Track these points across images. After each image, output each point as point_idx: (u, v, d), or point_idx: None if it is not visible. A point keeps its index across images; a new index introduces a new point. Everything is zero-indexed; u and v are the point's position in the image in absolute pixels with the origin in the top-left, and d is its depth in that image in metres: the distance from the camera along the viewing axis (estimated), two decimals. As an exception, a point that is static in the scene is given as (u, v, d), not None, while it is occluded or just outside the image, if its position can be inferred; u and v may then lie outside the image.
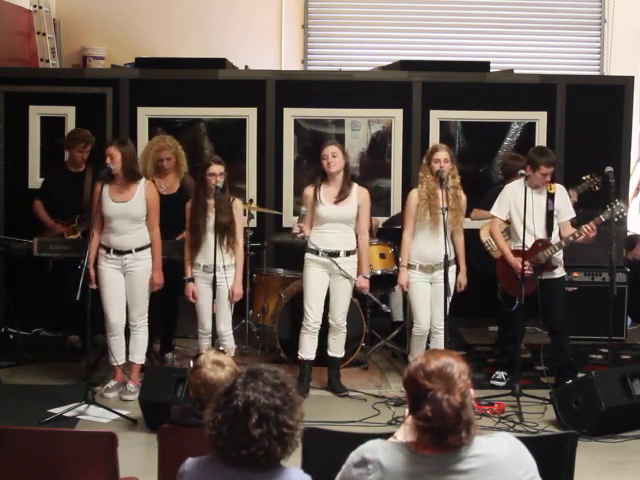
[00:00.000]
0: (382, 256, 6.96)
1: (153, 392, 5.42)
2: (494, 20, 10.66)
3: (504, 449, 2.56)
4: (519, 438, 2.63)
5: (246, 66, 8.97)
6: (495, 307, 6.66)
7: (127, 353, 6.21)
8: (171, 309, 6.96)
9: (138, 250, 6.08)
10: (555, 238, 6.24)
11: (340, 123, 8.39)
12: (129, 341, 6.20)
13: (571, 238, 6.13)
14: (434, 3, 10.67)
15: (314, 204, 6.16)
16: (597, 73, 10.60)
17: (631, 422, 5.50)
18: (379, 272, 6.90)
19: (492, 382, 6.47)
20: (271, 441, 2.49)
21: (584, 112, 8.04)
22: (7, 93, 7.94)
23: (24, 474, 3.38)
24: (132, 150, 6.17)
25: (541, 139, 7.99)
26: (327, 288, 6.23)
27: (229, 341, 6.17)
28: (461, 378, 2.50)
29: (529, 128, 8.18)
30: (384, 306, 6.52)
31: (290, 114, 8.02)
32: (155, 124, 7.92)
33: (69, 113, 7.90)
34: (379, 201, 7.86)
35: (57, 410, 5.65)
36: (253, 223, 7.48)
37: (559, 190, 6.31)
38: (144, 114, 7.94)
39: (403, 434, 2.70)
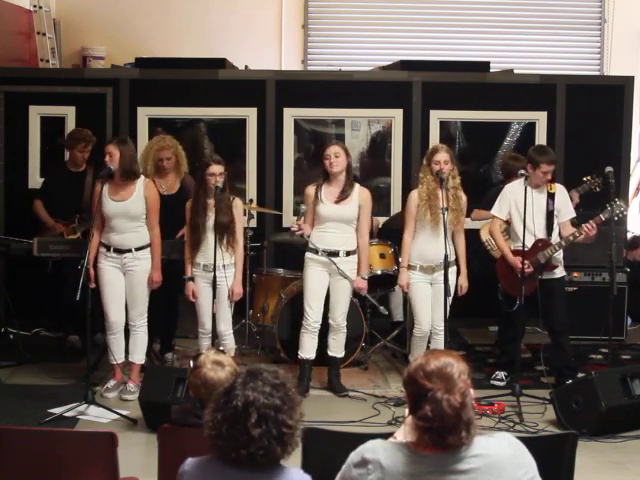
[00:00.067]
0: (382, 256, 6.95)
1: (153, 392, 5.42)
2: (494, 20, 10.66)
3: (504, 449, 2.56)
4: (519, 438, 2.63)
5: (246, 66, 8.96)
6: (495, 307, 6.66)
7: (127, 353, 6.21)
8: (171, 309, 6.96)
9: (138, 249, 6.09)
10: (555, 238, 6.24)
11: (340, 123, 8.39)
12: (129, 341, 6.20)
13: (571, 238, 6.13)
14: (434, 3, 10.66)
15: (315, 203, 6.17)
16: (597, 73, 10.60)
17: (631, 422, 5.50)
18: (379, 272, 6.89)
19: (492, 382, 6.47)
20: (270, 441, 2.49)
21: (584, 112, 8.04)
22: (7, 93, 7.94)
23: (24, 474, 3.38)
24: (132, 149, 6.16)
25: (541, 139, 7.99)
26: (327, 288, 6.23)
27: (229, 341, 6.17)
28: (461, 378, 2.50)
29: (529, 128, 8.18)
30: (382, 308, 6.49)
31: (290, 114, 8.02)
32: (155, 124, 7.92)
33: (69, 113, 7.90)
34: (379, 201, 7.86)
35: (57, 410, 5.65)
36: (253, 223, 7.48)
37: (559, 190, 6.31)
38: (144, 114, 7.94)
39: (403, 434, 2.70)
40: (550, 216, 6.24)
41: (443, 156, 6.04)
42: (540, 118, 8.06)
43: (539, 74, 8.51)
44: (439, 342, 6.07)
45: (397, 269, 6.70)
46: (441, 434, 2.47)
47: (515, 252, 6.21)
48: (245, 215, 7.02)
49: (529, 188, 5.99)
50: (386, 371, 6.88)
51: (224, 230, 5.99)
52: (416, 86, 8.01)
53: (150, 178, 6.53)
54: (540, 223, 6.20)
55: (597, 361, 7.14)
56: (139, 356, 6.22)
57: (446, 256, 5.83)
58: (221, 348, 5.29)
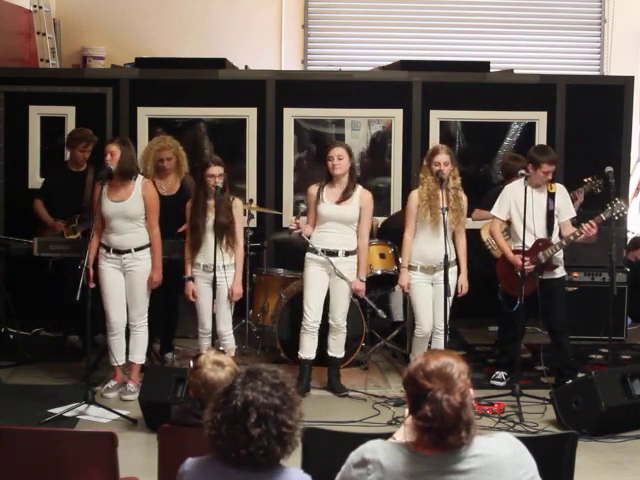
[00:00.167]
0: (382, 256, 6.95)
1: (153, 392, 5.42)
2: (494, 20, 10.67)
3: (504, 449, 2.56)
4: (519, 438, 2.63)
5: (246, 66, 8.96)
6: (495, 307, 6.66)
7: (127, 353, 6.21)
8: (171, 309, 6.96)
9: (137, 250, 6.08)
10: (556, 238, 6.24)
11: (340, 123, 8.39)
12: (129, 341, 6.20)
13: (572, 237, 6.13)
14: (434, 3, 10.67)
15: (317, 203, 6.17)
16: (597, 73, 10.61)
17: (631, 422, 5.50)
18: (379, 272, 6.89)
19: (492, 382, 6.47)
20: (270, 441, 2.49)
21: (584, 112, 8.04)
22: (7, 93, 7.94)
23: (24, 474, 3.38)
24: (132, 150, 6.17)
25: (541, 139, 7.98)
26: (327, 288, 6.23)
27: (229, 341, 6.17)
28: (461, 378, 2.50)
29: (529, 128, 8.18)
30: (380, 311, 6.46)
31: (290, 114, 8.02)
32: (155, 124, 7.92)
33: (69, 113, 7.90)
34: (379, 201, 7.85)
35: (57, 410, 5.65)
36: (253, 223, 7.48)
37: (559, 190, 6.31)
38: (144, 114, 7.94)
39: (402, 435, 2.70)
40: (550, 216, 6.24)
41: (443, 157, 6.03)
42: (540, 118, 8.06)
43: (539, 74, 8.51)
44: (439, 342, 6.06)
45: (397, 269, 6.70)
46: (441, 434, 2.47)
47: (515, 252, 6.21)
48: (245, 215, 7.02)
49: (529, 188, 5.99)
50: (386, 371, 6.88)
51: (224, 231, 5.99)
52: (416, 86, 8.01)
53: (150, 179, 6.53)
54: (540, 223, 6.20)
55: (597, 361, 7.14)
56: (139, 356, 6.22)
57: (446, 256, 5.83)
58: (221, 348, 5.29)
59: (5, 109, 7.94)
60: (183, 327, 7.27)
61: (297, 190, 8.01)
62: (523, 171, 6.05)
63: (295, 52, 10.64)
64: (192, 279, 6.12)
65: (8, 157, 7.97)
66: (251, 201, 7.56)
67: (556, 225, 6.27)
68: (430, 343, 6.21)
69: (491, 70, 8.36)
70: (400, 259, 6.44)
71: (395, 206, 7.96)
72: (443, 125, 8.12)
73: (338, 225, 6.16)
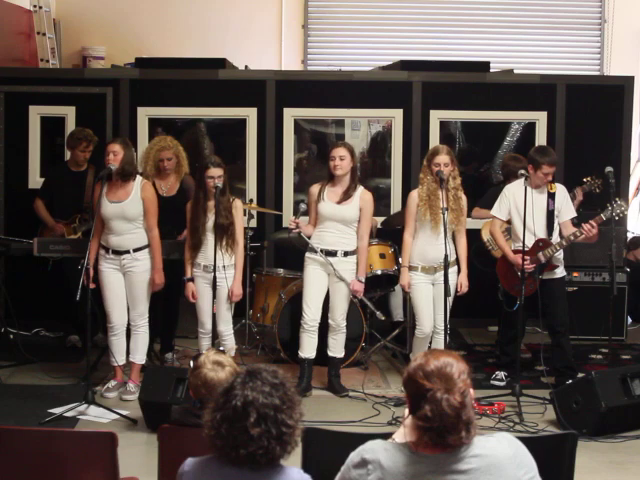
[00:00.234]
0: (382, 256, 6.95)
1: (153, 392, 5.41)
2: (494, 20, 10.66)
3: (504, 449, 2.56)
4: (519, 438, 2.63)
5: (246, 66, 8.96)
6: (495, 307, 6.66)
7: (127, 353, 6.21)
8: (171, 309, 6.96)
9: (136, 250, 6.08)
10: (556, 238, 6.24)
11: (340, 123, 8.39)
12: (129, 341, 6.20)
13: (572, 237, 6.13)
14: (434, 3, 10.67)
15: (317, 202, 6.18)
16: (597, 73, 10.60)
17: (631, 422, 5.50)
18: (379, 272, 6.89)
19: (492, 382, 6.47)
20: (270, 440, 2.49)
21: (584, 112, 8.04)
22: (7, 93, 7.93)
23: (24, 474, 3.38)
24: (132, 151, 6.19)
25: (541, 139, 7.99)
26: (327, 287, 6.23)
27: (230, 341, 6.17)
28: (461, 378, 2.50)
29: (529, 128, 8.18)
30: (378, 313, 6.46)
31: (290, 114, 8.02)
32: (155, 124, 7.93)
33: (69, 113, 7.90)
34: (379, 201, 7.86)
35: (57, 410, 5.65)
36: (253, 223, 7.48)
37: (560, 190, 6.31)
38: (144, 114, 7.94)
39: (401, 436, 2.70)
40: (550, 216, 6.24)
41: (443, 159, 6.03)
42: (540, 118, 8.06)
43: (539, 74, 8.50)
44: (440, 341, 6.06)
45: (397, 269, 6.70)
46: (441, 434, 2.47)
47: (516, 252, 6.21)
48: (245, 215, 7.02)
49: (529, 188, 5.99)
50: (386, 371, 6.88)
51: (224, 231, 5.99)
52: (416, 86, 8.01)
53: (150, 179, 6.53)
54: (541, 223, 6.20)
55: (597, 361, 7.14)
56: (140, 356, 6.22)
57: (446, 256, 5.83)
58: (221, 348, 5.28)
59: (5, 109, 7.95)
60: (183, 327, 7.27)
61: (297, 190, 8.01)
62: (523, 171, 6.05)
63: (295, 52, 10.64)
64: (192, 280, 6.12)
65: (8, 157, 7.97)
66: (251, 201, 7.56)
67: (556, 225, 6.27)
68: (430, 343, 6.21)
69: (491, 70, 8.36)
70: (400, 259, 6.44)
71: (395, 206, 7.96)
72: (443, 125, 8.13)
73: (338, 225, 6.16)
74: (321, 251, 6.13)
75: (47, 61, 9.50)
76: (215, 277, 5.93)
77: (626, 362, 7.08)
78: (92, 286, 5.88)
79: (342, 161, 6.10)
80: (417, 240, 6.18)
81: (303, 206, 6.28)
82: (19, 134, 7.92)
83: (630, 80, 8.19)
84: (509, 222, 6.39)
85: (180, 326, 7.19)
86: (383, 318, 6.60)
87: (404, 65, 8.26)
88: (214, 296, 5.97)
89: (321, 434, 3.34)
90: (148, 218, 6.09)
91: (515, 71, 8.82)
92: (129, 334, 6.20)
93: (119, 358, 6.15)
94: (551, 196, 6.24)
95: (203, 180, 6.00)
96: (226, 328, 6.14)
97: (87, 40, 10.37)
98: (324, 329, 6.29)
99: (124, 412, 5.67)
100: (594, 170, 7.19)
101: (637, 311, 8.30)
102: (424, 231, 6.14)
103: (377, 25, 10.58)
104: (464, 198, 6.20)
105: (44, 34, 9.54)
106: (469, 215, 6.65)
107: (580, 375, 6.13)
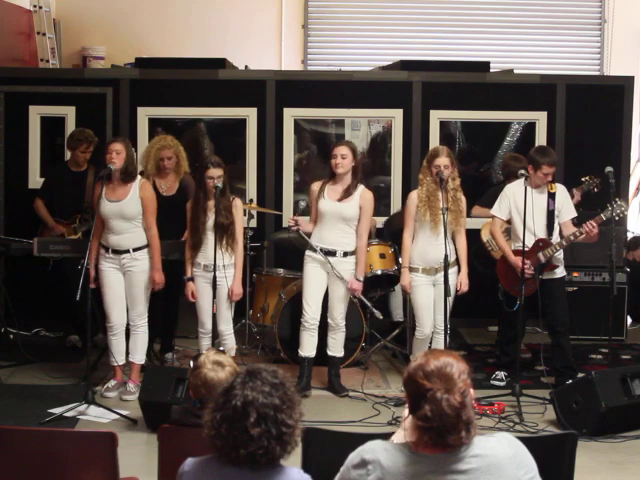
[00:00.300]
0: (382, 256, 6.95)
1: (153, 392, 5.41)
2: (494, 20, 10.67)
3: (504, 449, 2.56)
4: (519, 438, 2.63)
5: (246, 66, 8.96)
6: (495, 307, 6.66)
7: (127, 353, 6.21)
8: (171, 309, 6.97)
9: (136, 250, 6.08)
10: (556, 238, 6.25)
11: (340, 123, 8.39)
12: (129, 341, 6.20)
13: (572, 237, 6.13)
14: (434, 3, 10.67)
15: (318, 199, 6.18)
16: (597, 73, 10.61)
17: (631, 422, 5.50)
18: (379, 272, 6.89)
19: (492, 382, 6.47)
20: (270, 440, 2.49)
21: (584, 112, 8.04)
22: (7, 93, 7.93)
23: (24, 474, 3.38)
24: (133, 152, 6.20)
25: (541, 139, 7.99)
26: (326, 286, 6.23)
27: (230, 341, 6.17)
28: (461, 378, 2.50)
29: (529, 128, 8.18)
30: (377, 312, 6.47)
31: (290, 114, 8.02)
32: (155, 124, 7.93)
33: (69, 113, 7.90)
34: (379, 201, 7.85)
35: (57, 410, 5.65)
36: (253, 223, 7.48)
37: (560, 189, 6.31)
38: (144, 114, 7.94)
39: (400, 437, 2.70)
40: (551, 216, 6.24)
41: (443, 160, 6.02)
42: (540, 118, 8.06)
43: (539, 74, 8.50)
44: (440, 341, 6.06)
45: (397, 269, 6.70)
46: (441, 434, 2.47)
47: (516, 252, 6.22)
48: (245, 215, 7.02)
49: (529, 188, 5.99)
50: (386, 371, 6.88)
51: (224, 231, 5.99)
52: (416, 86, 8.01)
53: (150, 178, 6.54)
54: (541, 223, 6.20)
55: (597, 361, 7.14)
56: (139, 356, 6.22)
57: (446, 256, 5.83)
58: (221, 348, 5.28)
59: (5, 109, 7.95)
60: (183, 327, 7.27)
61: (297, 190, 8.01)
62: (523, 171, 6.05)
63: (295, 52, 10.65)
64: (192, 279, 6.12)
65: (8, 157, 7.97)
66: (251, 201, 7.56)
67: (556, 225, 6.27)
68: (430, 343, 6.21)
69: (491, 70, 8.36)
70: (400, 259, 6.44)
71: (395, 206, 7.96)
72: (443, 125, 8.13)
73: (337, 223, 6.16)
74: (320, 250, 6.13)
75: (47, 61, 9.51)
76: (215, 276, 5.93)
77: (626, 362, 7.08)
78: (93, 286, 5.89)
79: (344, 159, 6.11)
80: (417, 241, 6.18)
81: (303, 204, 6.28)
82: (19, 134, 7.92)
83: (630, 80, 8.19)
84: (509, 222, 6.40)
85: (180, 326, 7.19)
86: (381, 317, 6.59)
87: (404, 65, 8.26)
88: (214, 295, 5.97)
89: (321, 434, 3.34)
90: (146, 217, 6.09)
91: (515, 71, 8.83)
92: (129, 334, 6.20)
93: (119, 358, 6.15)
94: (551, 196, 6.24)
95: (203, 180, 6.00)
96: (226, 328, 6.14)
97: (87, 40, 10.37)
98: (324, 329, 6.29)
99: (124, 412, 5.67)
100: (594, 170, 7.19)
101: (637, 311, 8.29)
102: (424, 232, 6.14)
103: (377, 25, 10.59)
104: (463, 199, 6.20)
105: (44, 34, 9.55)
106: (469, 214, 6.65)
107: (580, 375, 6.13)
